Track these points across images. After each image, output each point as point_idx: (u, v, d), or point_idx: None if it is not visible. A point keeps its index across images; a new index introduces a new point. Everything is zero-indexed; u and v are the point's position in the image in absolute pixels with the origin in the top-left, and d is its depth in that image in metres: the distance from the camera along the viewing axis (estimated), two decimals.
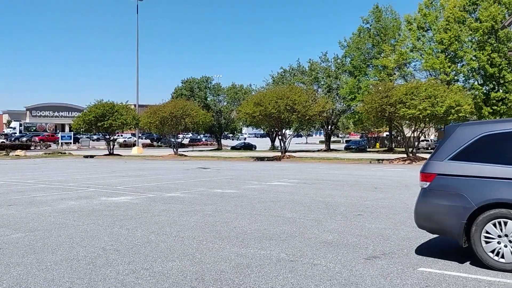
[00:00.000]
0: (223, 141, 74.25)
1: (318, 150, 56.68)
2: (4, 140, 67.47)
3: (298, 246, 7.20)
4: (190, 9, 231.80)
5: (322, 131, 67.53)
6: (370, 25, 53.93)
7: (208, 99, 66.31)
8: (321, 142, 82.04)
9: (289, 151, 40.34)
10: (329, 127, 60.26)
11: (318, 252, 6.85)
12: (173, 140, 46.05)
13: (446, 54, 44.43)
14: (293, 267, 6.04)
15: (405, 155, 33.71)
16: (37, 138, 72.78)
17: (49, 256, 6.70)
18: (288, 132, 48.35)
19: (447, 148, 6.36)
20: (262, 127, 55.26)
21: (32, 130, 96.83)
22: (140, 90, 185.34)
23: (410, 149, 34.04)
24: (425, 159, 11.19)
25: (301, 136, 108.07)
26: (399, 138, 61.73)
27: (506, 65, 41.05)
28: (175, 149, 43.28)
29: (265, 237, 7.88)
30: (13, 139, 75.07)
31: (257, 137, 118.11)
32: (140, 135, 60.72)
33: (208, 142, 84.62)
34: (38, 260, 6.50)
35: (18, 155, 42.74)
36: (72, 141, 63.25)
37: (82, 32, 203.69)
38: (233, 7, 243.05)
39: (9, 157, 41.31)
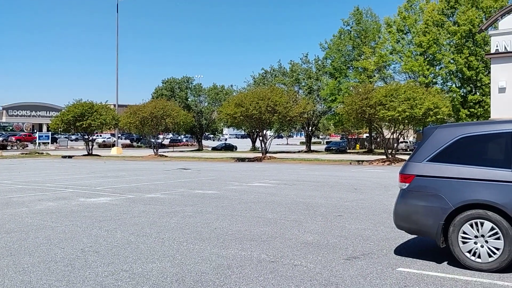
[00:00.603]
0: (204, 142, 74.00)
1: (299, 151, 56.88)
2: None
3: (279, 247, 7.22)
4: (172, 9, 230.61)
5: (303, 132, 67.78)
6: (351, 27, 54.38)
7: (189, 99, 66.01)
8: (301, 143, 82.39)
9: (270, 152, 40.43)
10: (310, 128, 60.52)
11: (299, 253, 6.88)
12: (153, 140, 45.71)
13: (425, 57, 45.04)
14: (274, 268, 6.05)
15: (384, 157, 34.07)
16: (13, 138, 71.50)
17: (26, 258, 6.59)
18: (269, 133, 48.46)
19: (425, 149, 6.45)
20: (243, 128, 55.29)
21: (9, 129, 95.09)
22: (120, 90, 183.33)
23: (390, 151, 34.41)
24: (404, 160, 11.32)
25: (282, 137, 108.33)
26: (378, 139, 62.32)
27: (483, 68, 41.75)
28: (155, 150, 42.98)
29: (246, 238, 7.88)
30: None
31: (238, 138, 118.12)
32: (119, 135, 60.11)
33: (189, 143, 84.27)
34: (15, 262, 6.39)
35: None
36: (50, 141, 62.29)
37: (61, 28, 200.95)
38: (216, 7, 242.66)
39: None
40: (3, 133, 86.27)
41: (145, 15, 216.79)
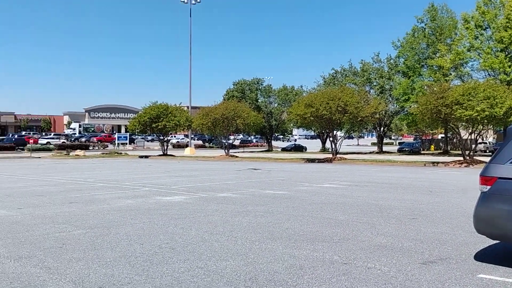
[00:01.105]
0: (274, 143, 74.32)
1: (370, 152, 55.70)
2: (64, 141, 70.61)
3: (352, 249, 7.13)
4: (243, 15, 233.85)
5: (374, 133, 66.25)
6: (425, 25, 52.44)
7: (259, 100, 66.63)
8: (373, 144, 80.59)
9: (340, 153, 39.91)
10: (382, 128, 59.09)
11: (372, 255, 6.76)
12: (224, 141, 46.60)
13: (506, 53, 42.53)
14: (346, 270, 5.99)
15: (461, 158, 32.57)
16: (95, 139, 75.61)
17: (108, 253, 6.97)
18: (339, 133, 47.81)
19: (508, 150, 6.12)
20: (313, 128, 54.91)
21: (91, 131, 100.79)
22: (193, 92, 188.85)
23: (467, 152, 32.84)
24: (483, 162, 10.78)
25: (352, 138, 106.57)
26: (455, 140, 59.70)
27: None
28: (226, 150, 43.78)
29: (317, 239, 7.85)
30: (73, 139, 78.52)
31: (308, 139, 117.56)
32: (192, 136, 61.82)
33: (259, 143, 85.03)
34: (98, 256, 6.77)
35: (77, 155, 44.55)
36: (128, 141, 65.23)
37: (138, 36, 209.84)
38: (284, 10, 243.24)
39: (69, 157, 43.17)
40: (86, 134, 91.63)
41: (217, 21, 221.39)
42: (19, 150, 52.27)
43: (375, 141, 67.26)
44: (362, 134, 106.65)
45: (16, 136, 73.63)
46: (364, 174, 22.98)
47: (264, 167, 29.52)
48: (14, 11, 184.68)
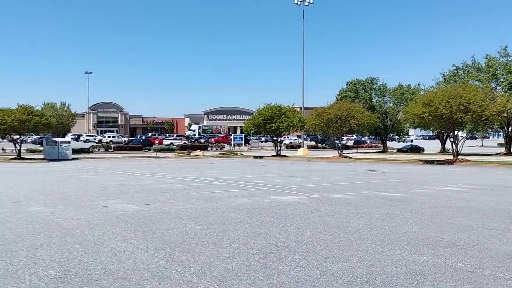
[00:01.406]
0: (389, 143, 71.86)
1: (497, 154, 51.48)
2: (186, 142, 75.10)
3: (477, 257, 6.69)
4: (356, 12, 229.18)
5: (501, 133, 61.12)
6: None
7: (374, 100, 64.85)
8: (499, 145, 74.38)
9: (462, 154, 37.42)
10: (510, 128, 54.32)
11: (501, 264, 6.27)
12: (337, 142, 46.11)
13: None
14: (472, 279, 5.63)
15: None
16: (213, 140, 79.19)
17: (227, 248, 7.28)
18: (460, 133, 44.87)
19: None
20: (431, 128, 52.19)
21: (209, 132, 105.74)
22: (305, 93, 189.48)
23: None
24: None
25: (475, 138, 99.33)
26: None
27: None
28: (339, 151, 43.29)
29: (438, 245, 7.48)
30: (193, 140, 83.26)
31: (425, 139, 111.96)
32: (305, 137, 62.02)
33: (373, 144, 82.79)
34: (219, 251, 7.11)
35: (197, 155, 47.02)
36: (243, 142, 67.26)
37: (251, 38, 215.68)
38: (400, 7, 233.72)
39: (190, 157, 45.73)
40: (204, 135, 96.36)
41: (329, 20, 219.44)
42: (146, 150, 56.48)
43: (502, 141, 62.00)
44: (487, 134, 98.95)
45: (143, 137, 79.73)
46: (489, 177, 21.34)
47: (378, 168, 28.71)
48: (153, 22, 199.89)
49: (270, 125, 44.22)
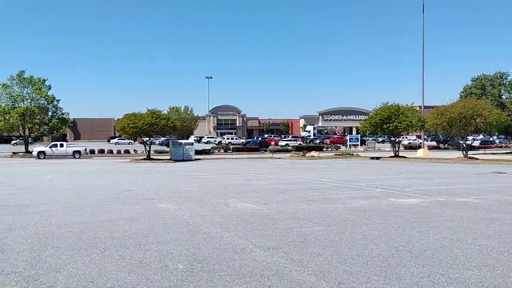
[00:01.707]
0: None
1: None
2: (301, 142, 75.71)
3: None
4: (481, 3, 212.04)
5: None
6: None
7: (503, 97, 59.88)
8: None
9: None
10: None
11: None
12: (461, 142, 43.25)
13: None
14: None
15: None
16: (328, 141, 78.76)
17: (346, 250, 7.21)
18: None
19: None
20: None
21: (324, 133, 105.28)
22: (425, 91, 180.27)
23: None
24: None
25: None
26: None
27: None
28: (464, 152, 40.55)
29: None
30: (308, 141, 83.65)
31: None
32: (425, 137, 59.10)
33: (503, 145, 76.23)
34: (337, 253, 7.07)
35: (312, 156, 47.10)
36: (359, 143, 66.03)
37: (364, 38, 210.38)
38: None
39: (305, 158, 45.96)
40: (319, 136, 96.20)
41: (451, 11, 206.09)
42: (262, 151, 57.87)
43: None
44: None
45: (260, 138, 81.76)
46: None
47: (510, 170, 26.38)
48: (268, 34, 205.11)
49: (388, 125, 42.81)
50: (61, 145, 48.34)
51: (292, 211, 11.31)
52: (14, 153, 53.09)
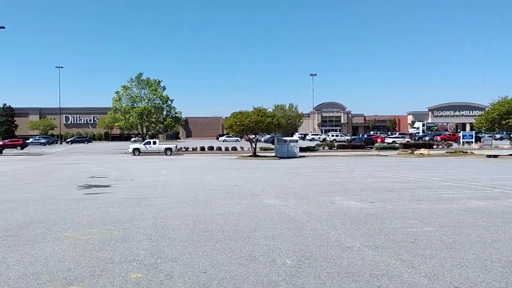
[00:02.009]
0: None
1: None
2: (409, 139, 72.65)
3: None
4: None
5: None
6: None
7: None
8: None
9: None
10: None
11: None
12: None
13: None
14: None
15: None
16: (438, 137, 74.74)
17: (461, 253, 6.83)
18: None
19: None
20: None
21: (434, 129, 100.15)
22: None
23: None
24: None
25: None
26: None
27: None
28: None
29: None
30: (416, 138, 79.99)
31: None
32: None
33: None
34: (451, 255, 6.72)
35: (421, 153, 44.98)
36: (473, 140, 61.87)
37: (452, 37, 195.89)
38: None
39: (413, 155, 44.06)
40: (429, 132, 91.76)
41: None
42: (368, 148, 56.44)
43: None
44: None
45: (365, 135, 79.91)
46: None
47: None
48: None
49: (507, 121, 39.57)
50: (154, 143, 50.96)
51: (401, 210, 10.94)
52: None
